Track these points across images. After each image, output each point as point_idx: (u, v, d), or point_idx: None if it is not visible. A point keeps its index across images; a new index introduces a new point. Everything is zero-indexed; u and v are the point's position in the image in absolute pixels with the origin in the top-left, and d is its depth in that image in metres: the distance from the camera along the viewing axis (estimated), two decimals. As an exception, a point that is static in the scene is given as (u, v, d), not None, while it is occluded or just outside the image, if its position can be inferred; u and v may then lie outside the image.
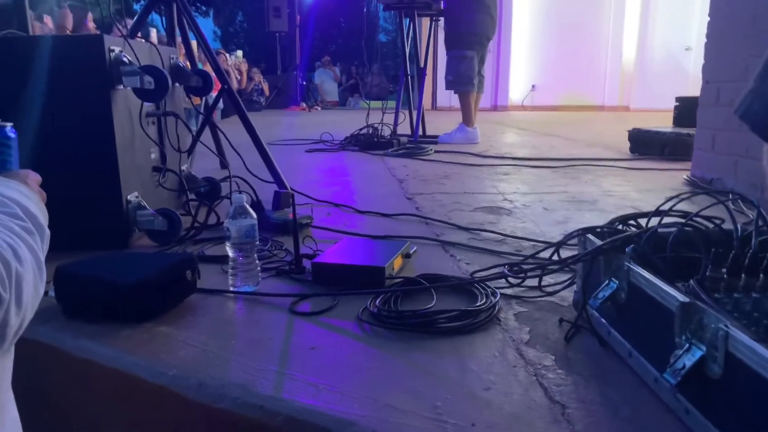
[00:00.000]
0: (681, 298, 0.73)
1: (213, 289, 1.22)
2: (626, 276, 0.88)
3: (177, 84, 1.95)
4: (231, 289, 1.22)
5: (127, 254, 1.43)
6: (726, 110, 2.34)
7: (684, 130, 3.27)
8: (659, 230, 0.94)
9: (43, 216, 0.65)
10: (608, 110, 9.19)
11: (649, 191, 2.36)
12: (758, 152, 2.14)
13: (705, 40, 2.49)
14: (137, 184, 1.59)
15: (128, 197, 1.53)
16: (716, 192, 0.97)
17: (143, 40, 1.82)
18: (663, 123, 3.83)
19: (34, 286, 0.53)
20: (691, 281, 0.82)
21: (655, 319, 0.80)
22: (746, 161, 2.22)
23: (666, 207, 1.01)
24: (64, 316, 1.08)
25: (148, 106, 1.68)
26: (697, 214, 0.98)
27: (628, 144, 3.61)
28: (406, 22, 4.36)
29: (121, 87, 1.50)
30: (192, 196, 1.96)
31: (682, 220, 0.98)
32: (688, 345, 0.70)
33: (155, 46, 1.78)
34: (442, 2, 4.23)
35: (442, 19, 4.46)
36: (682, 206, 1.02)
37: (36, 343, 1.01)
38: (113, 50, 1.46)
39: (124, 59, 1.48)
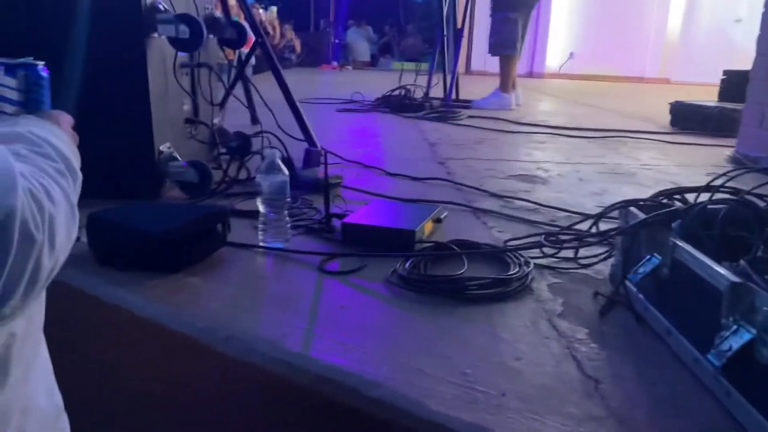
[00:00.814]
0: (732, 278, 0.69)
1: (243, 243, 1.21)
2: (670, 252, 0.84)
3: (211, 35, 1.92)
4: (261, 244, 1.21)
5: (159, 204, 1.43)
6: (779, 85, 2.23)
7: (730, 105, 3.14)
8: (708, 206, 0.89)
9: (75, 159, 0.63)
10: (648, 82, 8.88)
11: (689, 167, 2.28)
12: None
13: (763, 9, 2.36)
14: (169, 135, 1.59)
15: (160, 147, 1.52)
16: (773, 169, 0.92)
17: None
18: (705, 97, 3.68)
19: (66, 229, 0.52)
20: (742, 261, 0.78)
21: (699, 299, 0.77)
22: (796, 140, 2.12)
23: (717, 183, 0.96)
24: (95, 262, 1.09)
25: (182, 57, 1.66)
26: (749, 192, 0.94)
27: (667, 117, 3.49)
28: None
29: (156, 35, 1.47)
30: (223, 150, 1.95)
31: (731, 197, 0.94)
32: (735, 327, 0.67)
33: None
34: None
35: (482, -21, 4.32)
36: (731, 184, 0.98)
37: (66, 287, 1.02)
38: (149, -4, 1.43)
39: (160, 6, 1.46)
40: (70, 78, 1.34)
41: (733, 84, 3.44)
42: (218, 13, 1.98)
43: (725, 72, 3.70)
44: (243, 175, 1.75)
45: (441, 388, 0.73)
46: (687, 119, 3.32)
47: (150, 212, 1.18)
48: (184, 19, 1.46)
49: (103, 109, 1.45)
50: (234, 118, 2.49)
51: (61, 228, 0.51)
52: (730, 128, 2.94)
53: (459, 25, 4.46)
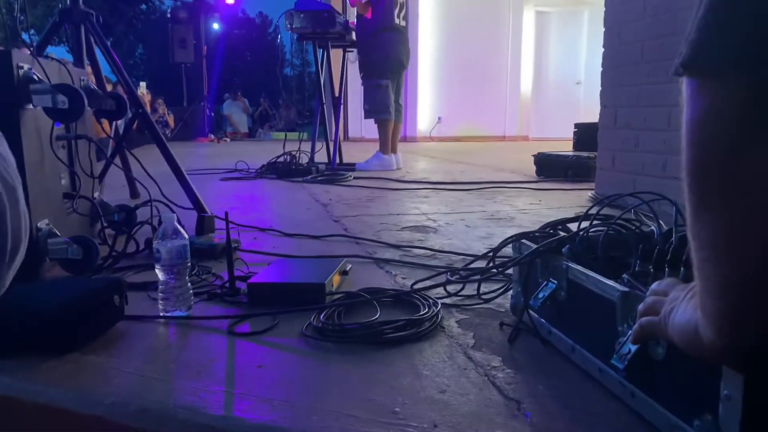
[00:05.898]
0: (621, 288, 0.78)
1: (143, 315, 1.15)
2: (565, 275, 0.93)
3: (88, 107, 1.85)
4: (162, 314, 1.15)
5: (45, 281, 1.32)
6: (623, 132, 2.55)
7: (584, 154, 3.52)
8: (589, 233, 1.00)
9: None
10: (509, 140, 9.70)
11: (560, 208, 2.50)
12: (653, 170, 2.34)
13: (600, 68, 2.72)
14: (47, 210, 1.48)
15: (38, 224, 1.42)
16: (637, 193, 1.05)
17: (52, 59, 1.72)
18: (562, 149, 4.09)
19: (22, 213, 0.49)
20: (624, 275, 0.87)
21: (595, 313, 0.85)
22: (643, 178, 2.42)
23: (592, 213, 1.08)
24: (-28, 351, 0.97)
25: (58, 129, 1.58)
26: (618, 218, 1.06)
27: (532, 168, 3.82)
28: (320, 52, 4.41)
29: (31, 106, 1.40)
30: (106, 224, 1.85)
31: (607, 223, 1.05)
32: (630, 331, 0.75)
33: (65, 65, 1.68)
34: (353, 33, 4.32)
35: (354, 50, 4.56)
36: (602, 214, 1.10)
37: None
38: (22, 67, 1.37)
39: (34, 77, 1.39)
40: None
41: (584, 135, 3.87)
42: (93, 85, 1.91)
43: (576, 125, 4.16)
44: (131, 248, 1.67)
45: (375, 429, 0.73)
46: (550, 168, 3.66)
47: (35, 290, 1.09)
48: (63, 89, 1.40)
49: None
50: (111, 194, 2.37)
51: (14, 207, 0.48)
52: (587, 173, 3.30)
53: (336, 93, 4.64)
